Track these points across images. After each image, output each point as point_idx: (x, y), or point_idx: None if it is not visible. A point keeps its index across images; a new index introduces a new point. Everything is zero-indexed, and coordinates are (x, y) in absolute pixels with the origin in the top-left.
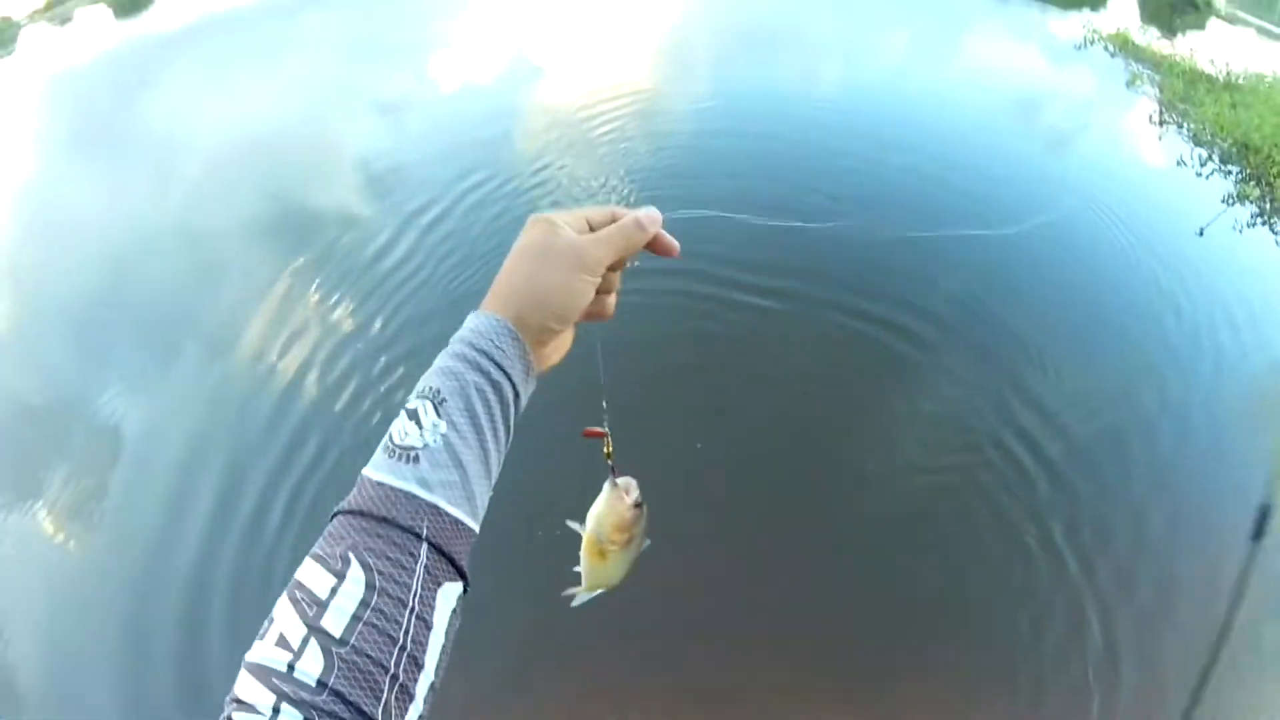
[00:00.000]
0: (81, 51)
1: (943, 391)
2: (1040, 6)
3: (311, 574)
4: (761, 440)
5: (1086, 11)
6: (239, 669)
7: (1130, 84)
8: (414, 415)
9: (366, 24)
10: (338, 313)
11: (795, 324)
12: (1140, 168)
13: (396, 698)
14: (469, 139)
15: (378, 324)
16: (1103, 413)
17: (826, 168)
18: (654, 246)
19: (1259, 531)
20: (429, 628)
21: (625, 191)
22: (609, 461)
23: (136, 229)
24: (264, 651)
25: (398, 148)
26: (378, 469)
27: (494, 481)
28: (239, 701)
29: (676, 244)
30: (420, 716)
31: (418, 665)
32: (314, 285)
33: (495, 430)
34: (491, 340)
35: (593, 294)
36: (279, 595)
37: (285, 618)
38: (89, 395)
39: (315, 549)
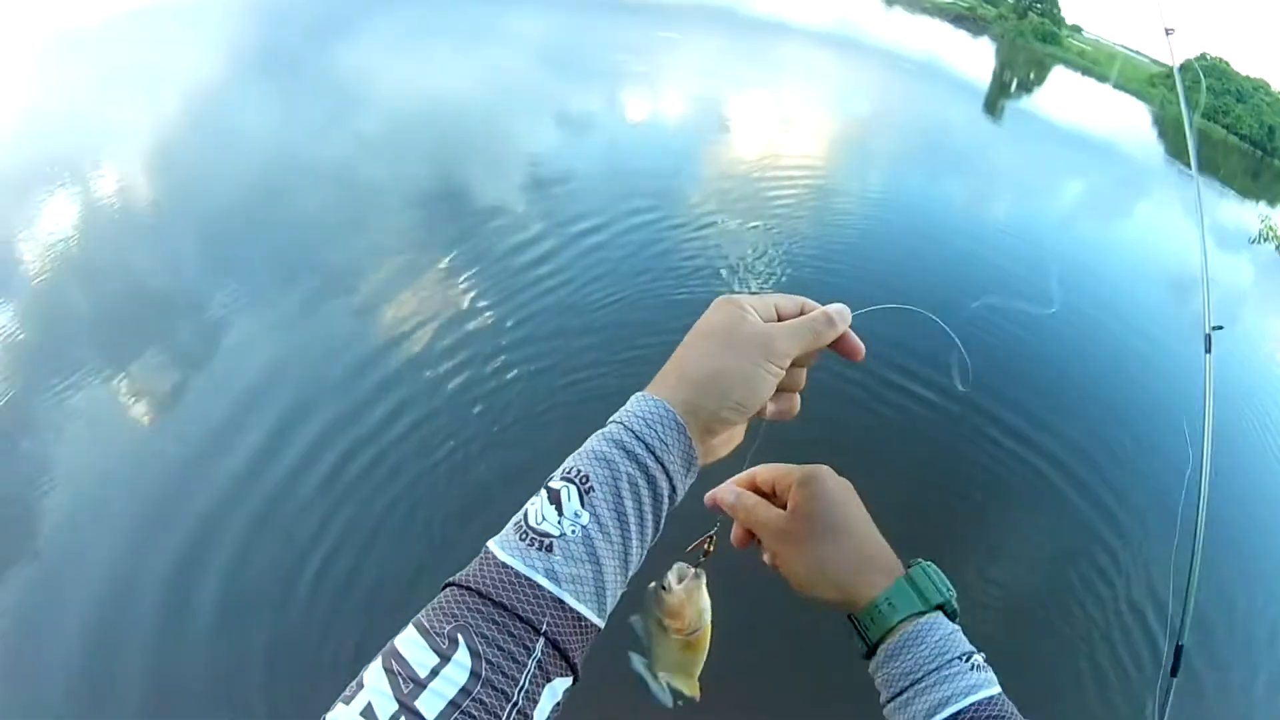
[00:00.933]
0: None
1: (1082, 532)
2: (1220, 188)
3: (412, 648)
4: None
5: (1263, 204)
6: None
7: None
8: (554, 498)
9: (572, 40)
10: (462, 291)
11: (940, 425)
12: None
13: None
14: (642, 169)
15: (499, 312)
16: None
17: (989, 281)
18: (839, 345)
19: None
20: None
21: (787, 266)
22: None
23: (295, 160)
24: (348, 718)
25: (569, 157)
26: (505, 549)
27: (630, 576)
28: None
29: (862, 346)
30: None
31: None
32: (447, 259)
33: (642, 528)
34: (654, 430)
35: (774, 387)
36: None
37: (376, 688)
38: (201, 295)
39: (421, 619)
